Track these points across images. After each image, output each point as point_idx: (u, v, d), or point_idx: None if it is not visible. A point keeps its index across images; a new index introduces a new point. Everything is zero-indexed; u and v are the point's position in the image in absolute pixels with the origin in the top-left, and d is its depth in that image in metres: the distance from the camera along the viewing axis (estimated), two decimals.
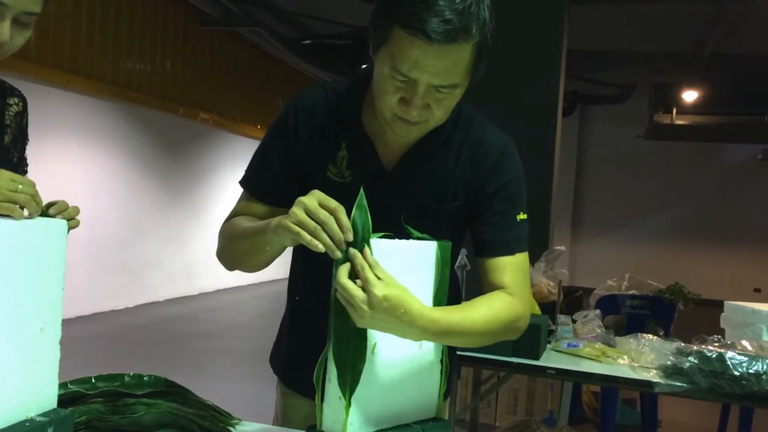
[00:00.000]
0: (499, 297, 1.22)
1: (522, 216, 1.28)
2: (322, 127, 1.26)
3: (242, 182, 1.33)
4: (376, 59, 1.14)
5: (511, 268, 1.25)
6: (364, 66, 1.28)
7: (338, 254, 1.01)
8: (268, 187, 1.30)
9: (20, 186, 0.95)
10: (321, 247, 1.01)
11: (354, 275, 1.00)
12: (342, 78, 1.36)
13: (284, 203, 1.30)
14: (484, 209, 1.26)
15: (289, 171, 1.28)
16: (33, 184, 0.97)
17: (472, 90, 1.26)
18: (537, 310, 2.58)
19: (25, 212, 0.95)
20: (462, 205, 1.27)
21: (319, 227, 1.01)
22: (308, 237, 1.01)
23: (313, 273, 1.29)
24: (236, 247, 1.26)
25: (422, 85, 1.09)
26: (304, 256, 1.33)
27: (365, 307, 0.99)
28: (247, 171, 1.34)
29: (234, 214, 1.32)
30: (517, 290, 1.24)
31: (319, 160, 1.26)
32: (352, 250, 1.01)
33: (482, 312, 1.17)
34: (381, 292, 0.99)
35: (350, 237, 1.01)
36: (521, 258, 1.27)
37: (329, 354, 1.04)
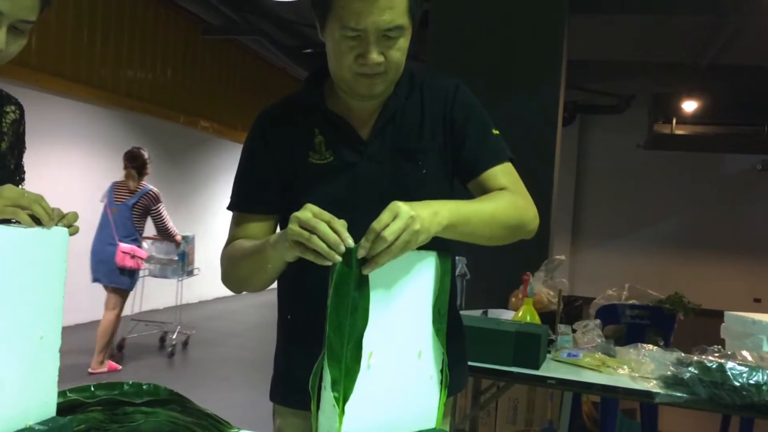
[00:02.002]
0: (501, 193, 1.29)
1: (496, 131, 1.36)
2: (291, 125, 1.33)
3: (231, 206, 1.37)
4: (326, 33, 1.24)
5: (503, 173, 1.32)
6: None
7: (337, 257, 1.01)
8: (257, 196, 1.34)
9: (25, 195, 0.96)
10: (327, 261, 1.02)
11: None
12: None
13: (276, 209, 1.33)
14: (462, 137, 1.33)
15: (272, 175, 1.32)
16: (40, 196, 0.98)
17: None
18: (537, 320, 2.57)
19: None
20: (442, 143, 1.33)
21: (313, 235, 1.02)
22: (311, 256, 1.03)
23: (305, 282, 1.28)
24: (239, 270, 1.29)
25: (371, 33, 1.18)
26: (296, 266, 1.33)
27: (417, 225, 1.03)
28: (232, 196, 1.37)
29: (231, 239, 1.35)
30: (516, 190, 1.31)
31: (299, 154, 1.31)
32: (356, 248, 1.01)
33: (488, 203, 1.25)
34: (410, 212, 1.03)
35: (349, 242, 1.02)
36: (510, 165, 1.34)
37: (324, 362, 1.04)
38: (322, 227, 1.02)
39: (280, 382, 1.39)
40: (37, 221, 0.97)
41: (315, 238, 1.02)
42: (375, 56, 1.20)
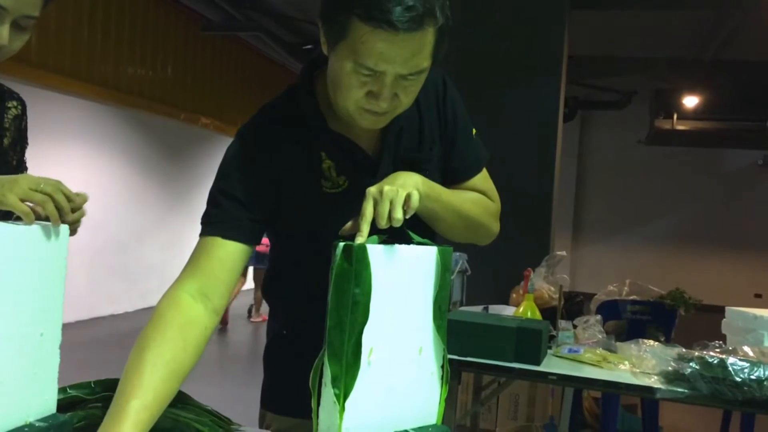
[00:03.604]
0: (478, 194, 1.31)
1: (474, 130, 1.33)
2: (292, 148, 1.20)
3: (206, 230, 1.17)
4: (333, 55, 1.08)
5: (480, 180, 1.33)
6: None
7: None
8: (247, 224, 1.17)
9: (41, 185, 0.95)
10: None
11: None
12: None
13: (259, 241, 1.22)
14: (451, 143, 1.29)
15: (269, 201, 1.19)
16: (57, 184, 0.97)
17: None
18: (538, 316, 2.57)
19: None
20: (439, 147, 1.29)
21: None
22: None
23: (299, 294, 1.27)
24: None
25: (390, 76, 1.05)
26: (291, 259, 1.30)
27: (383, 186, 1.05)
28: (211, 215, 1.19)
29: (188, 274, 1.15)
30: (492, 197, 1.33)
31: (308, 181, 1.20)
32: (357, 245, 1.01)
33: (460, 194, 1.26)
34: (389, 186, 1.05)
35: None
36: (485, 171, 1.34)
37: (324, 358, 1.04)
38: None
39: (275, 390, 1.36)
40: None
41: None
42: (388, 101, 1.09)
